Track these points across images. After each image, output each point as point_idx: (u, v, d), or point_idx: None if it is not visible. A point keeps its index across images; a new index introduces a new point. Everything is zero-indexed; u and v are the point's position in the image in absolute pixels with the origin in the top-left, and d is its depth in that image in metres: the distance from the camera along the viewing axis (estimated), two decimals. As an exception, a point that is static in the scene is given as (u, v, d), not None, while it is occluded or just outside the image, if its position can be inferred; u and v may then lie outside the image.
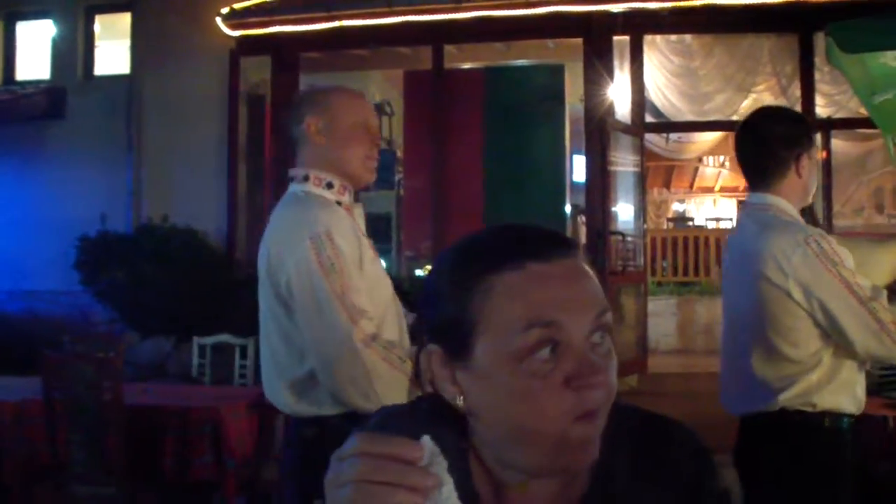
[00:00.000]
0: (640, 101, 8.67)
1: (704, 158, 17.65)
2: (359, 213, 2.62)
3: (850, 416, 2.64)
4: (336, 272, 2.39)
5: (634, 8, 8.23)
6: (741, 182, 18.98)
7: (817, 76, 8.29)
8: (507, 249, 1.13)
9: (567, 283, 1.13)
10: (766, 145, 2.83)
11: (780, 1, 8.07)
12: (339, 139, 2.59)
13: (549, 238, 1.15)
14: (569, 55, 8.73)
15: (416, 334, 2.54)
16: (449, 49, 8.90)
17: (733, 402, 2.87)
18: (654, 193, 18.37)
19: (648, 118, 9.02)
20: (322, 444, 2.32)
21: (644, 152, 8.95)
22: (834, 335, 2.63)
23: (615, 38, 8.61)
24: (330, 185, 2.58)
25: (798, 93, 8.68)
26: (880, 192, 17.12)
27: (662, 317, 10.21)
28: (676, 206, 19.78)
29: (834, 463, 2.62)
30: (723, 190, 19.67)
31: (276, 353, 2.50)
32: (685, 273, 12.23)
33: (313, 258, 2.39)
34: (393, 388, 2.37)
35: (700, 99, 9.21)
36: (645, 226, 9.09)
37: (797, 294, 2.64)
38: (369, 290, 2.47)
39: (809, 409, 2.65)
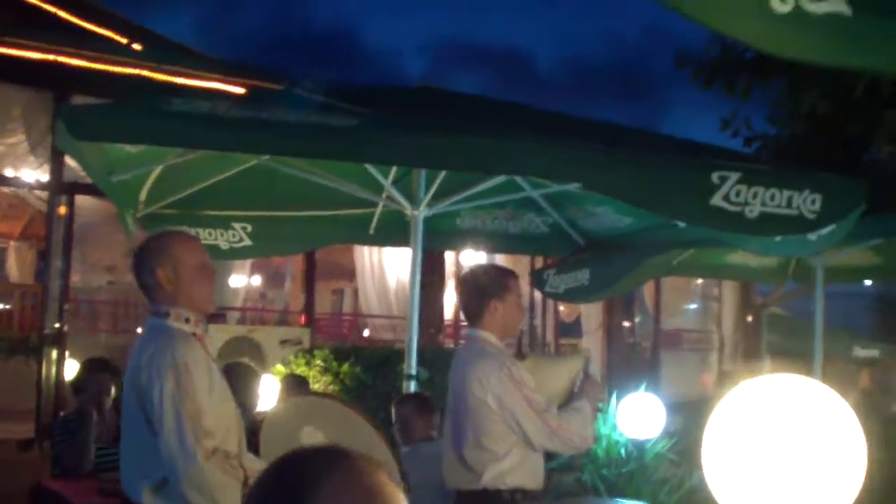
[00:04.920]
0: None
1: None
2: (208, 339, 3.27)
3: (531, 490, 3.96)
4: (190, 399, 3.04)
5: None
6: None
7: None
8: None
9: None
10: (468, 294, 4.12)
11: (35, 57, 8.28)
12: (185, 282, 3.26)
13: None
14: None
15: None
16: None
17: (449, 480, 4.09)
18: None
19: None
20: None
21: None
22: (518, 435, 3.87)
23: None
24: (187, 320, 3.25)
25: (49, 152, 8.89)
26: (132, 253, 17.74)
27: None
28: None
29: None
30: None
31: (138, 457, 3.16)
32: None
33: (174, 387, 3.04)
34: (227, 491, 3.05)
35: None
36: None
37: (493, 404, 3.84)
38: (215, 410, 3.14)
39: (503, 487, 3.89)
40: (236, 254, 6.30)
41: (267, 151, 4.65)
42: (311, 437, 3.49)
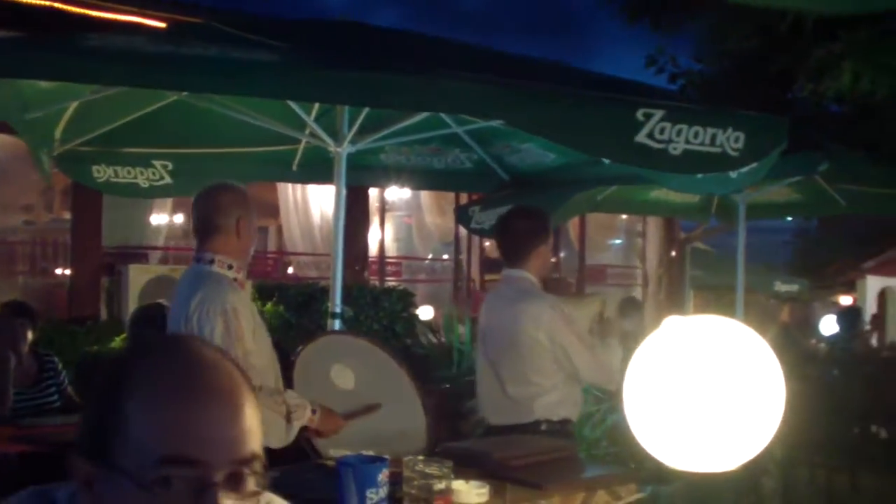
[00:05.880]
0: None
1: None
2: (248, 285, 3.29)
3: (573, 421, 4.31)
4: (240, 341, 3.37)
5: None
6: None
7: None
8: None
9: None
10: (519, 235, 4.31)
11: None
12: (250, 234, 3.65)
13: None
14: None
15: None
16: None
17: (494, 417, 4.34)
18: None
19: None
20: None
21: None
22: (567, 369, 4.16)
23: None
24: (230, 267, 3.57)
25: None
26: (50, 191, 17.44)
27: None
28: None
29: None
30: None
31: None
32: None
33: (224, 330, 3.34)
34: (273, 427, 3.36)
35: None
36: None
37: (545, 341, 4.11)
38: (258, 350, 3.48)
39: (555, 418, 4.17)
40: (157, 192, 6.20)
41: (186, 88, 4.55)
42: (340, 373, 3.82)
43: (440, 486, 2.94)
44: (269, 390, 3.46)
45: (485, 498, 3.07)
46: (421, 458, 3.02)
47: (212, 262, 3.57)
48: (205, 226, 3.62)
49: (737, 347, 1.82)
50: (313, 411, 3.56)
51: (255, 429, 1.29)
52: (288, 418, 3.44)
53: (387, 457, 2.95)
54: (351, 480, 2.75)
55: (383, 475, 2.80)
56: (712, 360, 1.79)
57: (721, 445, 1.82)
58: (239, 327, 3.41)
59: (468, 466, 3.28)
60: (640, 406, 1.87)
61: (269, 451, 3.51)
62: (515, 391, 4.23)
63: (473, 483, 3.09)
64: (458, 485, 3.04)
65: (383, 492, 2.81)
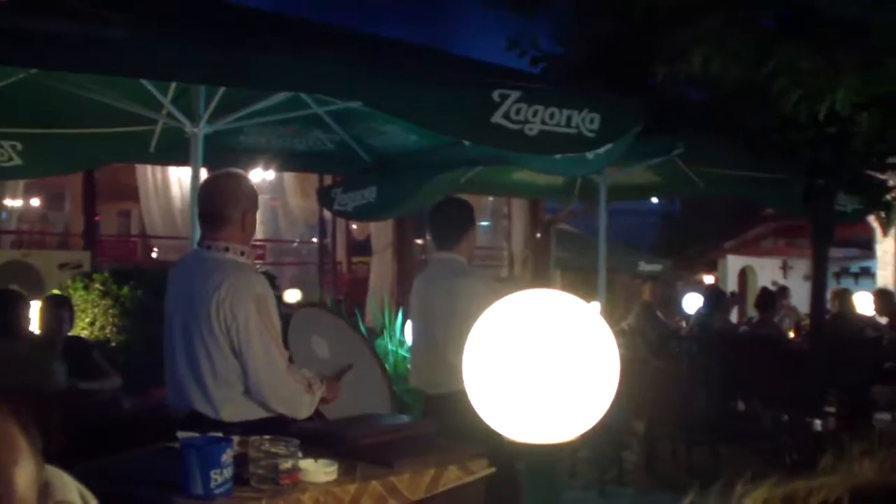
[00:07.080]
0: None
1: None
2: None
3: None
4: (270, 324, 3.60)
5: None
6: None
7: None
8: None
9: None
10: (452, 220, 4.77)
11: None
12: (253, 225, 3.84)
13: None
14: None
15: None
16: None
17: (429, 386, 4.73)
18: None
19: None
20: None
21: None
22: None
23: None
24: (242, 253, 3.78)
25: None
26: None
27: None
28: None
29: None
30: None
31: (215, 376, 3.59)
32: None
33: (256, 315, 3.56)
34: (300, 399, 3.66)
35: None
36: None
37: (477, 312, 3.89)
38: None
39: None
40: (5, 174, 6.05)
41: (30, 65, 4.43)
42: (318, 344, 4.32)
43: (286, 465, 2.96)
44: (292, 367, 3.71)
45: (333, 476, 3.10)
46: (267, 437, 3.05)
47: (227, 249, 3.72)
48: (213, 216, 3.76)
49: (570, 320, 1.89)
50: (321, 381, 3.85)
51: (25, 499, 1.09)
52: (310, 389, 3.70)
53: (232, 437, 2.97)
54: (195, 461, 2.74)
55: (227, 456, 2.80)
56: (546, 332, 1.86)
57: (557, 417, 1.89)
58: (268, 309, 3.61)
59: (320, 446, 3.32)
60: (478, 378, 1.94)
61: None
62: (455, 359, 4.37)
63: (322, 462, 3.11)
64: (306, 464, 3.07)
65: (228, 472, 2.81)
